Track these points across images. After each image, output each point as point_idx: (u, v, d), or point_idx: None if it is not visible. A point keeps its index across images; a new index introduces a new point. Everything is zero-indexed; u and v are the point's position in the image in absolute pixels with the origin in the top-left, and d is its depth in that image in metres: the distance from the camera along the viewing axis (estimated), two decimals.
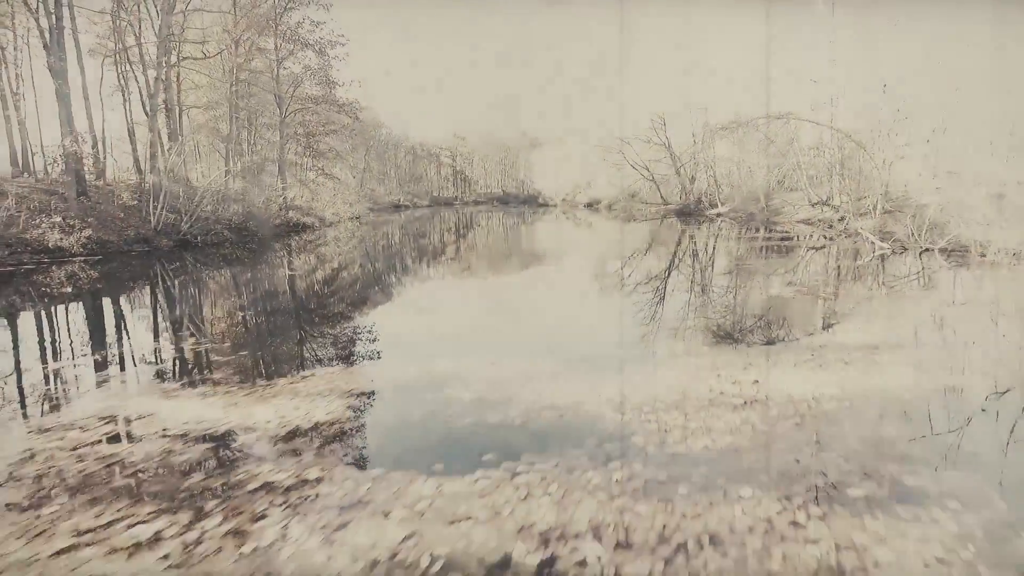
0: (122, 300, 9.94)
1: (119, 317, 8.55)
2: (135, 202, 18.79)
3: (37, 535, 2.78)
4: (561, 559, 2.53)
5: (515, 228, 30.07)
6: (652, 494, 3.03)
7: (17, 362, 5.93)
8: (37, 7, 17.75)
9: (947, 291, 9.15)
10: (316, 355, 6.16)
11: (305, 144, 25.04)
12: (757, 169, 23.91)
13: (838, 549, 2.55)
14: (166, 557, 2.60)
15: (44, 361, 5.92)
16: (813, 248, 16.47)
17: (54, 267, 13.88)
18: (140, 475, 3.36)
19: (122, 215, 17.35)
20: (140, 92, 20.13)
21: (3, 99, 20.49)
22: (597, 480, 3.19)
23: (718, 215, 26.47)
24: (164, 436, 3.87)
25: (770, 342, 6.07)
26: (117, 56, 20.21)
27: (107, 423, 4.11)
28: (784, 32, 21.88)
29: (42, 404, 4.66)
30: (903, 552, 2.53)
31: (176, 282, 12.08)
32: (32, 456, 3.65)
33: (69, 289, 10.53)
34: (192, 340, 6.68)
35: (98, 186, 18.83)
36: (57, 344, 6.78)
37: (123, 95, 20.28)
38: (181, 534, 2.77)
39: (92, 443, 3.79)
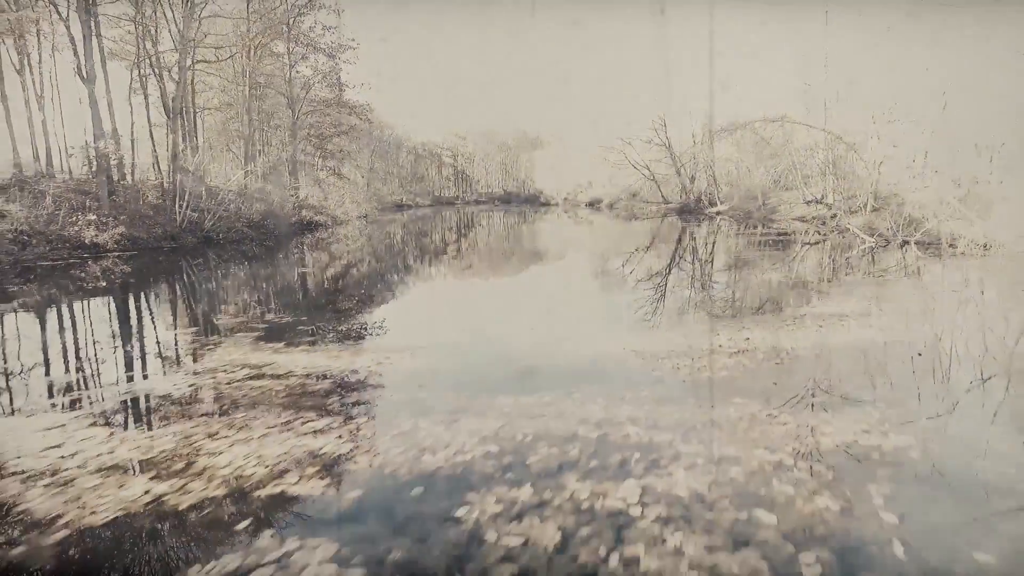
0: (179, 288, 11.17)
1: (189, 301, 9.78)
2: (159, 201, 19.99)
3: (240, 428, 4.06)
4: (611, 434, 3.83)
5: (521, 227, 31.34)
6: (671, 402, 4.34)
7: (128, 332, 7.19)
8: (68, 15, 18.95)
9: (914, 276, 10.51)
10: (385, 325, 7.45)
11: (316, 145, 26.28)
12: (755, 169, 25.34)
13: (798, 427, 3.87)
14: (340, 436, 3.89)
15: (152, 331, 7.17)
16: (808, 244, 17.82)
17: (90, 262, 15.03)
18: (291, 397, 4.64)
19: (151, 213, 18.54)
20: (163, 94, 21.31)
21: (26, 102, 21.63)
22: (630, 396, 4.49)
23: (717, 213, 27.89)
24: (293, 375, 5.15)
25: (761, 313, 7.39)
26: (139, 60, 21.41)
27: (242, 368, 5.39)
28: (779, 38, 23.29)
29: (178, 359, 5.92)
30: (841, 428, 3.84)
31: (228, 272, 13.30)
32: (199, 388, 4.93)
33: (125, 280, 11.77)
34: (271, 316, 7.93)
35: (124, 185, 19.99)
36: (150, 320, 8.03)
37: (145, 98, 21.47)
38: (343, 426, 4.06)
39: (240, 380, 5.06)
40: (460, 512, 2.94)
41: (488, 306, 9.27)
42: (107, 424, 4.16)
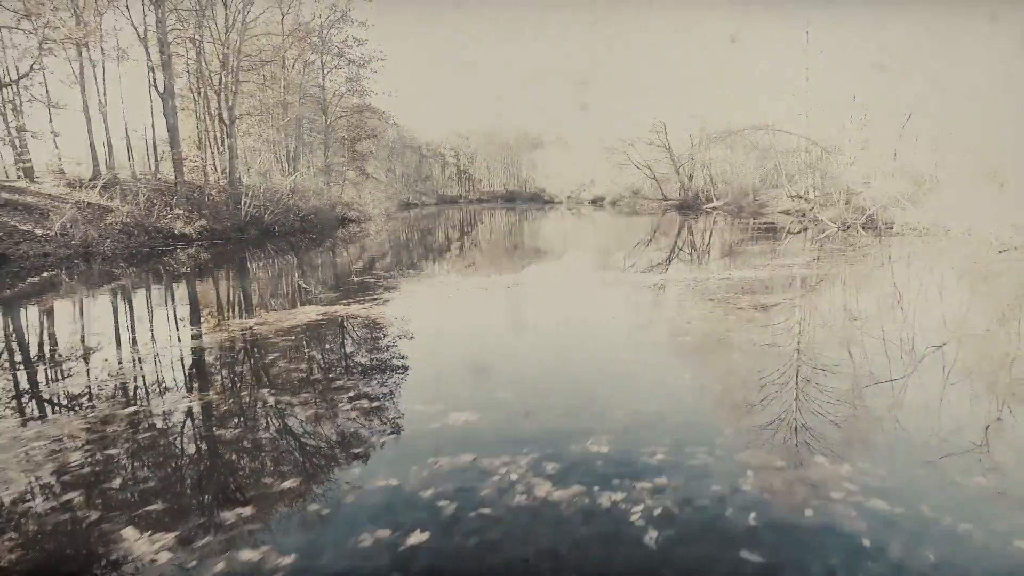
0: (316, 259, 15.44)
1: (342, 263, 14.07)
2: (220, 198, 24.16)
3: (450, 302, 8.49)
4: (662, 298, 8.34)
5: (536, 222, 35.84)
6: (687, 293, 8.87)
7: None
8: (144, 35, 23.11)
9: (849, 247, 15.20)
10: (486, 277, 11.91)
11: (347, 147, 30.63)
12: (746, 169, 30.24)
13: (751, 301, 8.41)
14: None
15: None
16: (791, 233, 22.56)
17: (178, 250, 19.19)
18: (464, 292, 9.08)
19: (225, 208, 22.73)
20: (220, 103, 25.51)
21: (86, 111, 25.62)
22: (663, 290, 9.01)
23: (713, 208, 32.74)
24: (460, 287, 9.59)
25: (739, 265, 11.97)
26: (199, 76, 25.65)
27: (432, 288, 9.79)
28: (768, 52, 28.27)
29: (384, 287, 10.29)
30: (767, 299, 8.39)
31: (323, 253, 17.60)
32: (415, 296, 9.32)
33: (255, 257, 16.03)
34: (408, 269, 12.28)
35: (194, 184, 24.15)
36: (338, 270, 12.37)
37: (206, 107, 25.66)
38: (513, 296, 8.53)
39: (438, 290, 9.48)
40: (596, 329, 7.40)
41: (547, 271, 13.75)
42: (383, 304, 8.54)
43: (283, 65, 28.86)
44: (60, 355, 6.26)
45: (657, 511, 2.93)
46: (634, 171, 40.22)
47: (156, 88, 22.85)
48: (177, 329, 7.54)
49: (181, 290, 10.80)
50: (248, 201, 23.12)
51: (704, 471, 3.40)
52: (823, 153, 23.72)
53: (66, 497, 3.20)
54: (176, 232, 20.52)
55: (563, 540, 2.72)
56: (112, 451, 3.79)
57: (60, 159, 22.58)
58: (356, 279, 11.14)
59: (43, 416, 4.46)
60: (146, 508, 3.09)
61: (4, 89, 18.61)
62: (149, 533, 2.84)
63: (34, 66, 18.21)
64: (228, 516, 2.99)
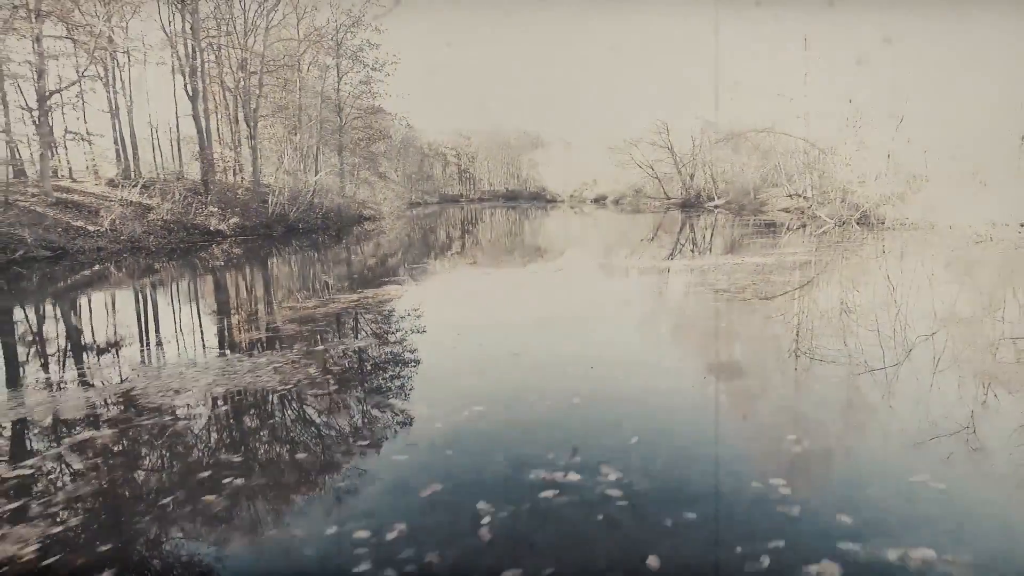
0: (365, 249, 17.24)
1: (390, 252, 15.86)
2: (247, 196, 25.90)
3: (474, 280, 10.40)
4: (674, 277, 10.29)
5: (541, 220, 37.79)
6: (706, 272, 10.81)
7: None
8: (173, 39, 24.83)
9: (842, 240, 17.24)
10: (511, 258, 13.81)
11: (363, 148, 32.44)
12: (747, 168, 32.39)
13: (758, 277, 10.37)
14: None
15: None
16: (790, 229, 24.61)
17: (213, 245, 20.93)
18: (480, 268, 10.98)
19: (255, 206, 24.47)
20: (243, 107, 27.26)
21: (115, 113, 27.28)
22: (685, 274, 10.97)
23: (715, 207, 34.85)
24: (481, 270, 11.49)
25: (748, 253, 13.94)
26: (220, 79, 27.43)
27: (464, 269, 11.67)
28: (766, 58, 30.41)
29: (428, 271, 12.14)
30: (775, 279, 10.36)
31: (358, 246, 19.42)
32: (450, 278, 11.20)
33: (304, 248, 17.83)
34: (436, 255, 14.14)
35: (222, 183, 25.88)
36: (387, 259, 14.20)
37: (229, 110, 27.41)
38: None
39: (461, 273, 11.36)
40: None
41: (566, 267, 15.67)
42: (448, 285, 10.40)
43: (298, 69, 30.64)
44: (264, 320, 8.11)
45: (711, 388, 4.85)
46: (637, 170, 42.32)
47: (186, 91, 24.55)
48: (309, 299, 9.37)
49: (269, 276, 12.60)
50: (275, 199, 24.86)
51: (742, 368, 5.33)
52: (820, 154, 25.82)
53: (332, 379, 5.07)
54: (211, 228, 22.25)
55: (650, 398, 4.62)
56: (345, 364, 5.67)
57: (94, 160, 24.22)
58: (406, 267, 13.01)
59: (259, 353, 6.30)
60: (376, 396, 4.98)
61: (54, 95, 20.21)
62: (385, 410, 4.72)
63: (84, 73, 19.86)
64: (451, 392, 4.88)
